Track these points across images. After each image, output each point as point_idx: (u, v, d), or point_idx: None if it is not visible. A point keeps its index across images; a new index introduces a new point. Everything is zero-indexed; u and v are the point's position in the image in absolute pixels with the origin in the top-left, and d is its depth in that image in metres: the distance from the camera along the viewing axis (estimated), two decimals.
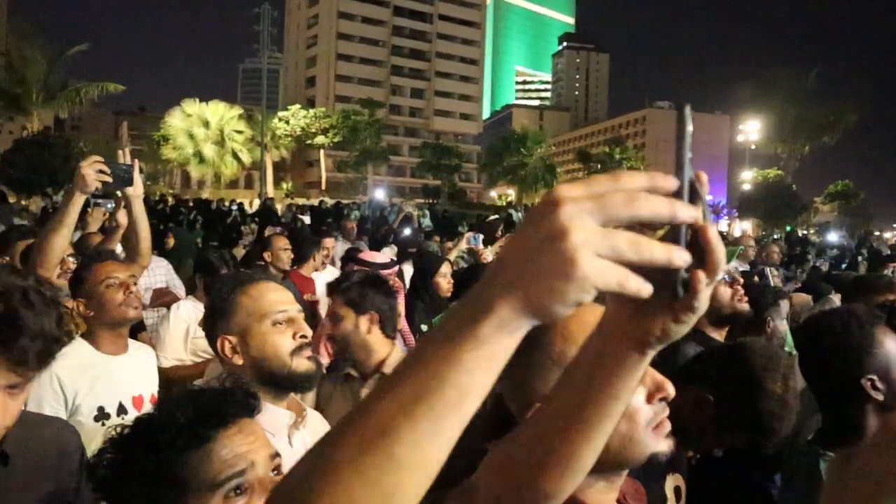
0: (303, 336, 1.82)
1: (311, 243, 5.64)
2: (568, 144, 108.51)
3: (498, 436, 0.99)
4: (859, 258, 13.02)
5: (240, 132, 51.76)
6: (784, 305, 3.91)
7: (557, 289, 0.59)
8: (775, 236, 29.64)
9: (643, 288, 0.60)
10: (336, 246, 7.31)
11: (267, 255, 5.34)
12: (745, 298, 3.22)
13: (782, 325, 3.63)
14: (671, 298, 0.66)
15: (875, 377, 1.85)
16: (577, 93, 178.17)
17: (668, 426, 1.12)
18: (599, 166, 67.75)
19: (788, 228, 32.39)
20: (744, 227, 42.00)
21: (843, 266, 12.80)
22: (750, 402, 1.78)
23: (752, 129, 55.48)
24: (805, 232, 35.19)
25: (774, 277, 5.96)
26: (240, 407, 1.23)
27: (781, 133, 54.16)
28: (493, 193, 66.35)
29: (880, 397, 1.84)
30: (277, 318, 1.80)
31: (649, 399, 1.10)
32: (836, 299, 4.79)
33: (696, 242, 0.63)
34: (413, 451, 0.61)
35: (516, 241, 0.63)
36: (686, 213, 0.62)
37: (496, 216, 16.57)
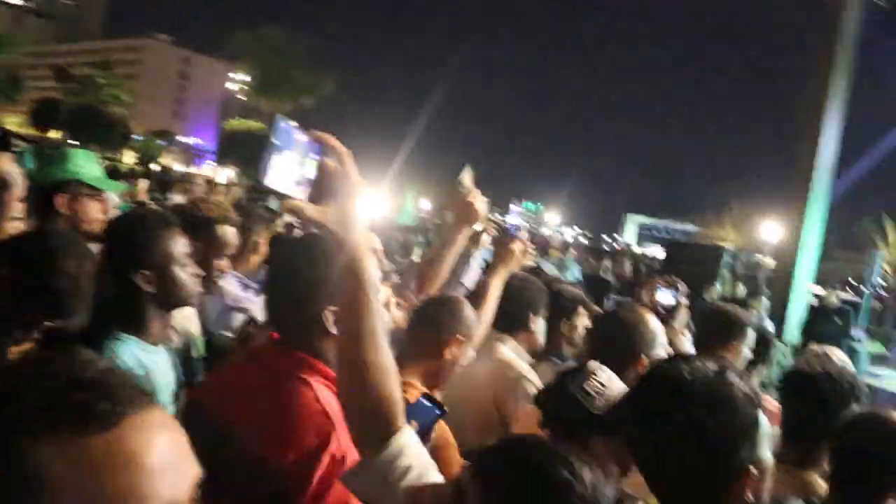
0: None
1: None
2: (46, 58, 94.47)
3: None
4: None
5: None
6: None
7: None
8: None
9: None
10: None
11: None
12: None
13: None
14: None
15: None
16: (68, 1, 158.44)
17: None
18: (80, 88, 62.54)
19: None
20: (229, 175, 42.75)
21: None
22: (44, 278, 1.79)
23: (242, 80, 56.98)
24: None
25: None
26: None
27: (267, 88, 56.72)
28: None
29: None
30: None
31: None
32: None
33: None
34: None
35: None
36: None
37: None
